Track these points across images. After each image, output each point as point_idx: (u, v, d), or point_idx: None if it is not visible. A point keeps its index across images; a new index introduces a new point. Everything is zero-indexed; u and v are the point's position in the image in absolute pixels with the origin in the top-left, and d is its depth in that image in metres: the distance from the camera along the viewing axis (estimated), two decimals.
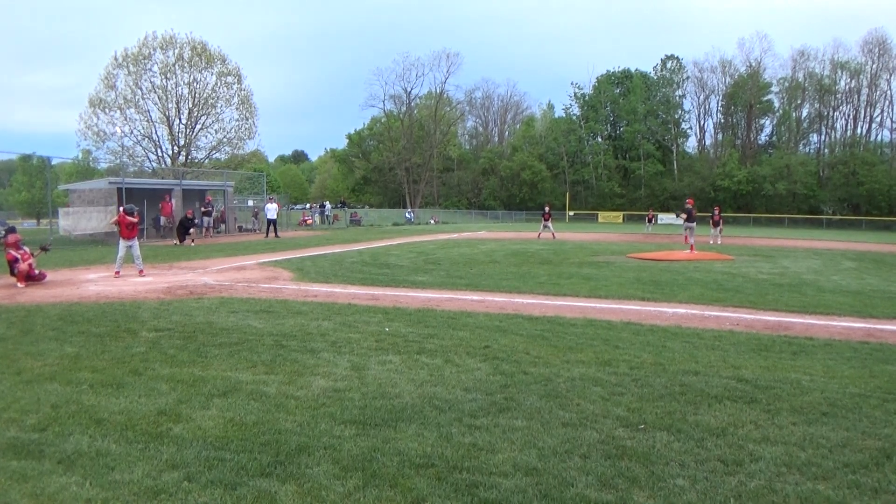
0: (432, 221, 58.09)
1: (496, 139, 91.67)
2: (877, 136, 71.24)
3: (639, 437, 4.30)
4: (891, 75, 68.61)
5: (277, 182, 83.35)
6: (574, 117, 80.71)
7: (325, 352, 6.56)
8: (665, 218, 60.29)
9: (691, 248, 21.87)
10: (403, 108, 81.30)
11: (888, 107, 69.77)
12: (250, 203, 36.67)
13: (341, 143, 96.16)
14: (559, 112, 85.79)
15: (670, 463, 3.88)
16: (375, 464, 3.79)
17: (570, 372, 5.85)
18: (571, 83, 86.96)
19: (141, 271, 13.45)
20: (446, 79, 79.94)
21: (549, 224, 31.80)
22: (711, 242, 28.01)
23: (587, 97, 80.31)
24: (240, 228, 34.37)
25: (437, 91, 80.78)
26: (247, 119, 46.17)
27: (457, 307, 9.56)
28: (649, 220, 46.97)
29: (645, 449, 4.08)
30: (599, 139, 79.71)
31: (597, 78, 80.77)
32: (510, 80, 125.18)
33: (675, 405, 4.96)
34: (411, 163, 79.03)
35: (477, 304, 9.98)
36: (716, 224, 29.54)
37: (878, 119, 70.62)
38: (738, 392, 5.32)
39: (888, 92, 69.21)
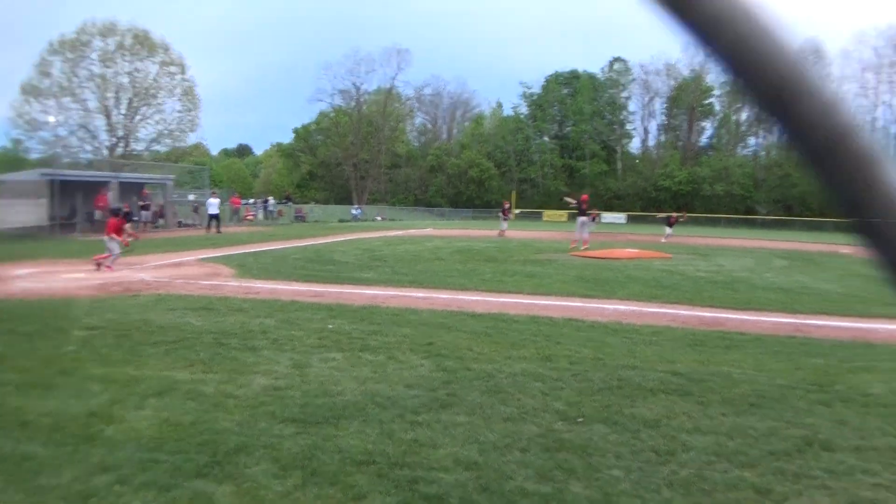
0: (379, 218, 57.79)
1: (445, 136, 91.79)
2: None
3: (577, 429, 4.40)
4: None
5: (220, 176, 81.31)
6: (522, 116, 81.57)
7: (267, 350, 6.46)
8: (609, 217, 61.86)
9: (581, 243, 21.34)
10: (352, 104, 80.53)
11: None
12: (191, 198, 35.63)
13: (288, 137, 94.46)
14: (508, 111, 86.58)
15: (606, 454, 3.98)
16: (316, 462, 3.76)
17: (512, 368, 5.93)
18: (520, 83, 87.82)
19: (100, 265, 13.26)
20: (396, 75, 79.61)
21: (506, 221, 31.33)
22: (663, 240, 28.99)
23: (536, 97, 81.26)
24: (179, 224, 33.39)
25: (387, 87, 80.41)
26: (190, 111, 44.96)
27: (401, 304, 9.55)
28: (593, 219, 47.85)
29: (582, 441, 4.18)
30: (546, 138, 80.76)
31: (545, 78, 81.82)
32: (460, 77, 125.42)
33: (612, 398, 5.09)
34: (359, 159, 78.39)
35: (422, 301, 10.00)
36: (671, 225, 30.55)
37: None
38: (673, 385, 5.50)
39: None
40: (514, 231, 33.86)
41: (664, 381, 5.61)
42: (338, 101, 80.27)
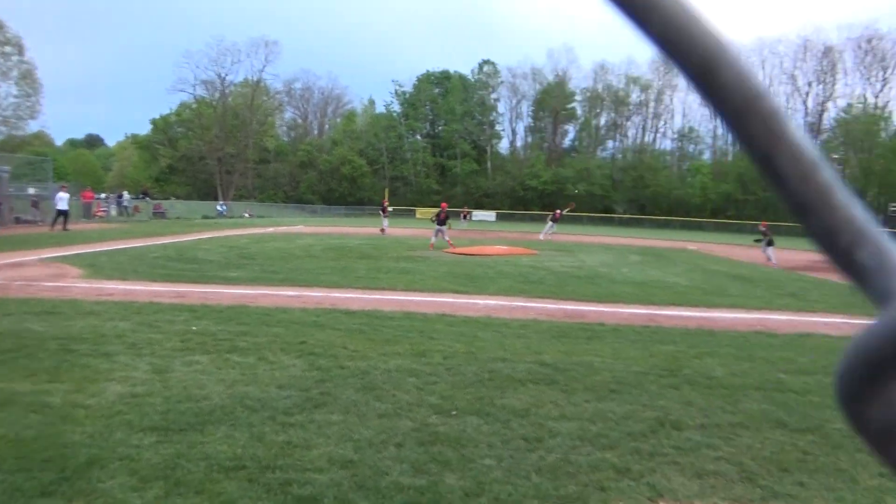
0: (247, 215, 55.58)
1: (316, 132, 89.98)
2: (660, 144, 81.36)
3: (451, 422, 4.47)
4: (673, 91, 78.76)
5: (66, 168, 74.46)
6: (395, 114, 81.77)
7: (122, 355, 5.99)
8: (479, 214, 63.73)
9: (440, 246, 21.74)
10: (217, 95, 76.66)
11: (670, 119, 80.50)
12: (31, 191, 32.21)
13: (145, 129, 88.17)
14: (380, 108, 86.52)
15: (479, 445, 4.09)
16: (180, 471, 3.55)
17: (386, 364, 5.93)
18: (393, 80, 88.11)
19: None
20: (264, 67, 76.89)
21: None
22: (542, 237, 30.18)
23: (408, 95, 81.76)
24: (17, 220, 30.14)
25: (255, 79, 77.40)
26: (29, 96, 40.65)
27: (271, 303, 9.24)
28: (464, 217, 49.07)
29: (456, 433, 4.26)
30: (419, 137, 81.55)
31: (417, 77, 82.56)
32: (331, 72, 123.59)
33: (484, 391, 5.24)
34: (224, 153, 74.72)
35: (293, 299, 9.74)
36: (555, 220, 31.81)
37: (663, 130, 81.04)
38: (540, 375, 5.76)
39: (670, 106, 79.70)
40: (388, 229, 33.88)
41: (532, 372, 5.85)
42: (201, 91, 76.10)
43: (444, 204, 25.29)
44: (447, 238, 22.45)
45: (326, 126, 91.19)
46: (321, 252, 18.35)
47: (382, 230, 31.35)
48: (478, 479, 3.60)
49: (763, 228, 22.55)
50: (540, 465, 3.83)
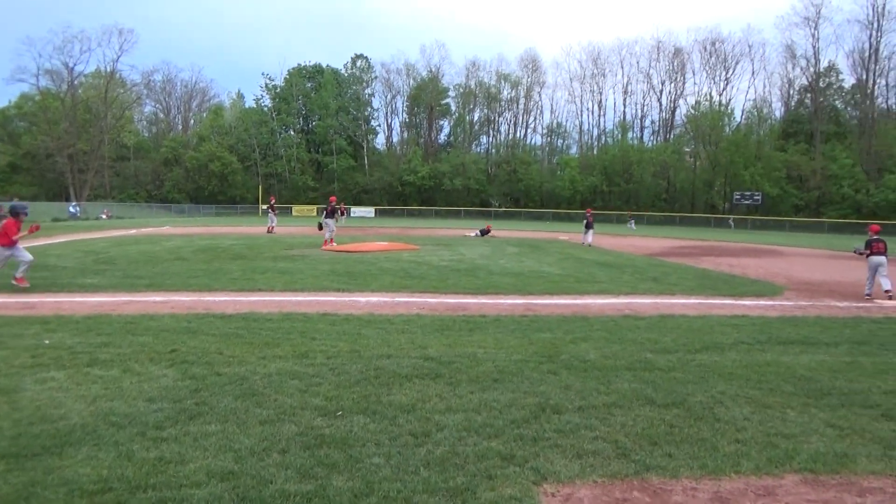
0: (104, 216, 51.60)
1: (180, 127, 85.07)
2: (531, 140, 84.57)
3: (337, 423, 4.38)
4: (541, 88, 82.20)
5: None
6: (266, 109, 78.95)
7: None
8: (358, 211, 63.20)
9: (330, 242, 21.61)
10: (64, 87, 70.14)
11: (539, 115, 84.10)
12: None
13: None
14: (250, 102, 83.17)
15: (367, 444, 4.03)
16: (35, 500, 3.21)
17: (266, 368, 5.71)
18: (262, 73, 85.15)
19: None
20: (119, 57, 71.21)
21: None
22: (471, 235, 30.42)
23: (279, 89, 79.23)
24: None
25: (108, 70, 71.63)
26: None
27: (137, 310, 8.61)
28: (342, 213, 48.42)
29: (343, 434, 4.17)
30: (292, 132, 79.35)
31: (288, 70, 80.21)
32: (195, 64, 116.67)
33: (370, 388, 5.18)
34: (76, 149, 68.48)
35: (161, 305, 9.13)
36: (484, 232, 31.76)
37: (533, 125, 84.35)
38: (426, 369, 5.78)
39: (539, 103, 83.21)
40: (262, 227, 32.73)
41: (417, 367, 5.86)
42: (46, 82, 69.24)
43: (332, 198, 24.89)
44: (328, 235, 21.83)
45: (192, 121, 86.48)
46: (191, 254, 17.36)
47: (270, 229, 30.16)
48: (366, 478, 3.54)
49: (588, 216, 27.69)
50: (428, 458, 3.83)
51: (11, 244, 10.66)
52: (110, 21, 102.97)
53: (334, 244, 20.94)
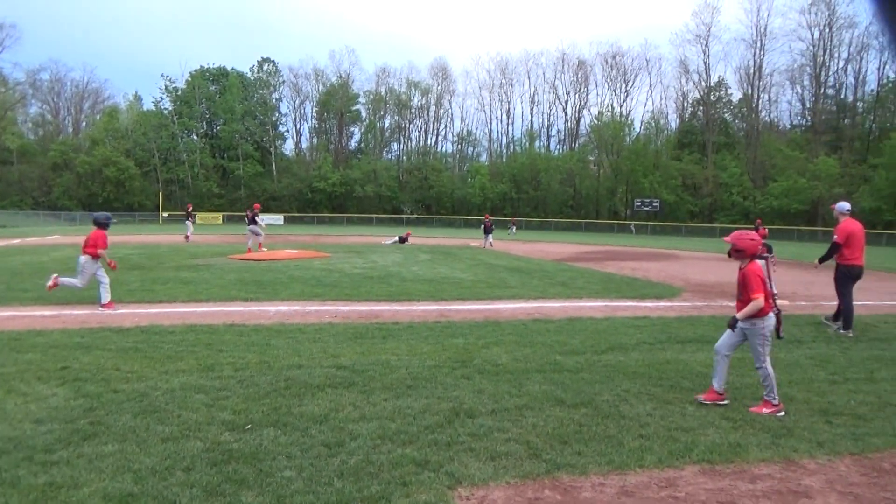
0: None
1: (70, 130, 79.88)
2: (442, 147, 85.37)
3: (245, 437, 4.22)
4: (451, 96, 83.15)
5: None
6: (166, 112, 75.42)
7: None
8: (266, 218, 61.46)
9: (259, 247, 22.20)
10: None
11: (450, 123, 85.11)
12: None
13: None
14: (149, 105, 79.10)
15: (277, 457, 3.91)
16: None
17: (169, 383, 5.42)
18: (162, 75, 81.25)
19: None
20: None
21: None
22: (387, 243, 29.81)
23: (180, 91, 75.93)
24: None
25: None
26: None
27: (22, 325, 7.99)
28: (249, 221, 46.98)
29: (252, 448, 4.03)
30: (195, 137, 76.17)
31: (190, 73, 77.04)
32: (87, 64, 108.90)
33: (280, 400, 5.03)
34: None
35: (50, 319, 8.52)
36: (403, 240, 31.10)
37: (443, 133, 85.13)
38: (339, 378, 5.69)
39: (450, 110, 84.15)
40: (162, 236, 31.23)
41: (330, 376, 5.76)
42: None
43: (256, 205, 24.46)
44: (250, 242, 21.88)
45: (83, 123, 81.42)
46: None
47: (187, 237, 29.25)
48: (277, 493, 3.43)
49: (487, 221, 31.64)
50: (342, 469, 3.76)
51: (97, 257, 10.07)
52: None
53: (250, 252, 20.54)
